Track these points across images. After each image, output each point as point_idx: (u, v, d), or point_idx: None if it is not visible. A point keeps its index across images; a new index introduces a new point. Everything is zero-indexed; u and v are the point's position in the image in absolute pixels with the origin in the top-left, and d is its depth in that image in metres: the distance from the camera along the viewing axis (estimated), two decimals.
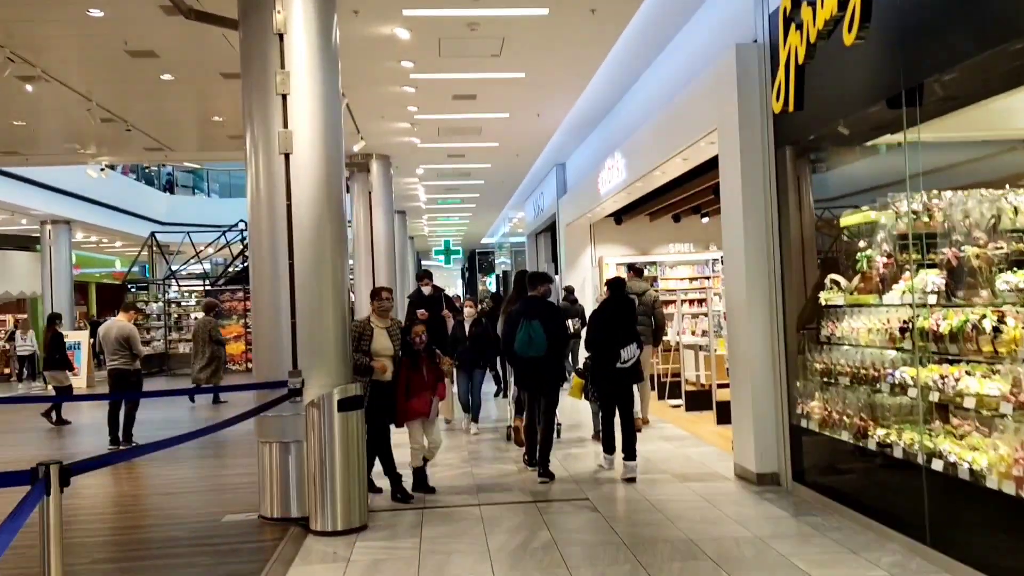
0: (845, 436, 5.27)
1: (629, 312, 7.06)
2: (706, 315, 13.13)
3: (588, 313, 8.88)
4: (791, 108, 5.24)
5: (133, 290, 22.70)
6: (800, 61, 5.07)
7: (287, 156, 5.55)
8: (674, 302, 14.76)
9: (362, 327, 6.19)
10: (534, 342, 6.58)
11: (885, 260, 5.23)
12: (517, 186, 17.53)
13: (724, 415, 9.04)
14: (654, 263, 15.08)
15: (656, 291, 10.17)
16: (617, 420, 7.00)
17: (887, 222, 5.27)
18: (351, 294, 11.11)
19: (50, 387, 12.09)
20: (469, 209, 21.72)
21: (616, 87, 10.74)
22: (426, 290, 9.79)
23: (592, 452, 7.82)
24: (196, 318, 20.95)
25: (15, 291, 20.94)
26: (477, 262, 38.80)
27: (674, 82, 8.73)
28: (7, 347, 20.43)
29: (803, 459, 6.02)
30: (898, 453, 4.76)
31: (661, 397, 11.33)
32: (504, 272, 28.49)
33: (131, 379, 9.39)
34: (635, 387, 7.23)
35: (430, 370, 6.29)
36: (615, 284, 7.25)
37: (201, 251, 22.90)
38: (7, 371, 20.64)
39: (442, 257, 28.62)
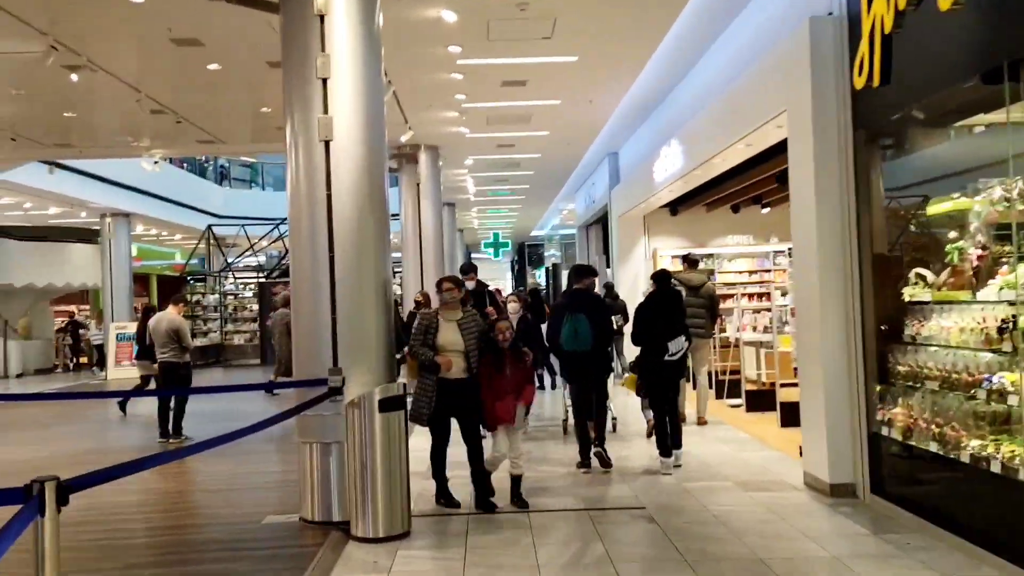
0: (933, 447, 4.76)
1: (676, 305, 6.95)
2: (768, 310, 12.57)
3: (632, 309, 8.71)
4: (876, 82, 4.74)
5: (191, 282, 23.11)
6: (887, 30, 4.57)
7: (327, 143, 5.29)
8: (733, 296, 14.22)
9: (429, 319, 5.71)
10: (579, 336, 6.52)
11: (979, 252, 4.71)
12: (568, 177, 17.11)
13: (789, 417, 8.52)
14: (711, 255, 14.49)
15: (713, 284, 9.81)
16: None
17: (981, 210, 4.75)
18: (398, 288, 10.83)
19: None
20: (519, 201, 21.37)
21: (672, 72, 10.24)
22: (470, 285, 9.06)
23: (646, 452, 7.42)
24: (251, 309, 21.41)
25: (76, 283, 21.41)
26: (527, 255, 38.47)
27: (737, 63, 8.22)
28: (69, 340, 20.99)
29: (882, 470, 5.52)
30: (996, 467, 4.25)
31: (719, 396, 10.83)
32: (554, 265, 28.06)
33: (180, 372, 9.34)
34: (686, 382, 7.24)
35: (515, 371, 5.69)
36: (660, 276, 7.14)
37: (255, 243, 23.14)
38: (83, 360, 21.19)
39: (491, 250, 28.31)
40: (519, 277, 39.49)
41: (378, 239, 5.48)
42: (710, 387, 10.95)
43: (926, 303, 5.11)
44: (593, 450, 6.76)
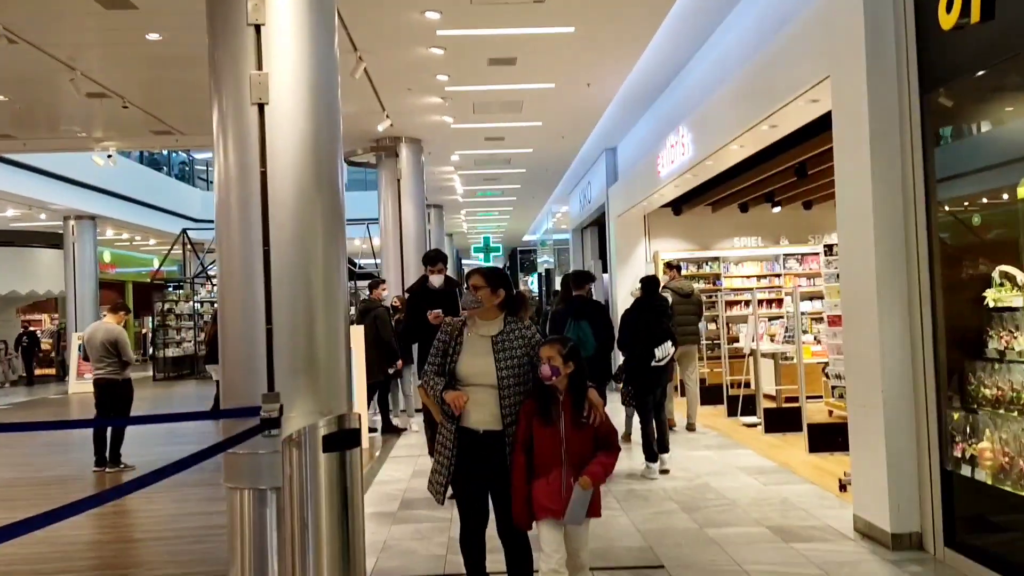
0: None
1: (662, 310, 7.08)
2: (779, 317, 11.49)
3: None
4: (975, 18, 3.65)
5: (170, 288, 21.91)
6: None
7: (261, 107, 4.15)
8: (739, 303, 13.14)
9: (452, 331, 3.74)
10: (583, 343, 6.18)
11: None
12: (562, 175, 16.00)
13: (819, 441, 7.42)
14: (716, 259, 13.42)
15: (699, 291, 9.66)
16: None
17: None
18: (379, 292, 9.70)
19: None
20: (510, 203, 20.26)
21: (682, 49, 9.16)
22: (435, 280, 6.57)
23: (624, 456, 6.33)
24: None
25: (41, 290, 20.17)
26: (519, 261, 37.34)
27: (761, 31, 7.14)
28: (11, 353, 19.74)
29: (960, 517, 4.42)
30: None
31: (732, 414, 9.72)
32: (547, 270, 26.91)
33: (119, 390, 8.17)
34: (674, 389, 7.50)
35: (573, 428, 3.46)
36: (649, 283, 7.24)
37: None
38: (39, 372, 19.98)
39: (481, 255, 27.14)
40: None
41: (328, 229, 4.33)
42: (721, 402, 10.18)
43: (1015, 309, 4.03)
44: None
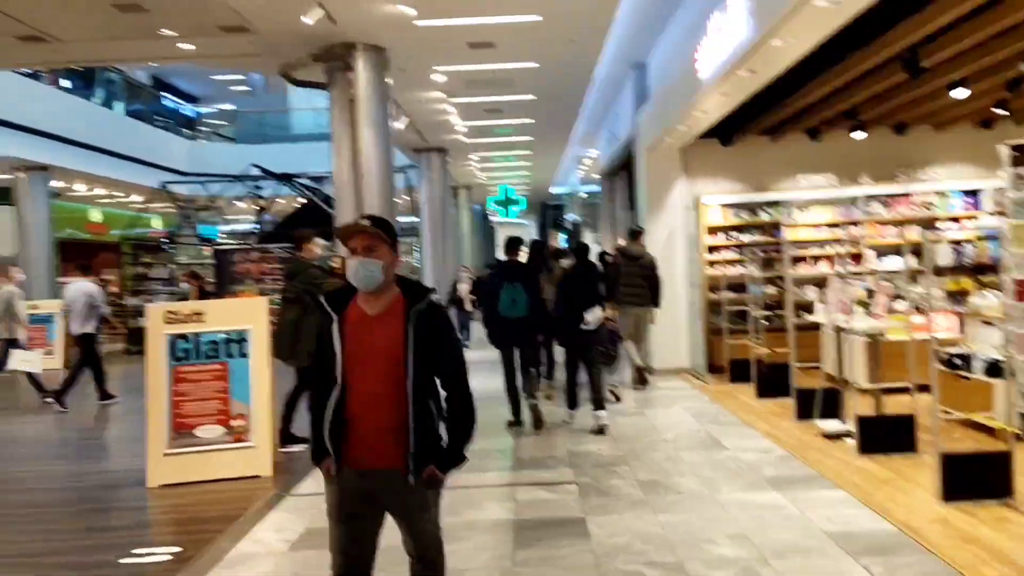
0: None
1: (592, 278, 7.41)
2: (858, 276, 8.42)
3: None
4: None
5: (167, 249, 19.64)
6: None
7: None
8: (805, 260, 10.12)
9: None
10: (517, 303, 6.91)
11: None
12: (581, 100, 12.93)
13: (960, 483, 4.55)
14: (775, 203, 10.35)
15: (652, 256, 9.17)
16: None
17: None
18: (310, 248, 7.02)
19: None
20: (527, 145, 17.23)
21: None
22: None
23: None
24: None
25: None
26: (548, 217, 34.26)
27: None
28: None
29: None
30: None
31: (805, 415, 6.81)
32: (574, 225, 23.79)
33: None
34: (628, 344, 8.87)
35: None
36: (579, 250, 7.63)
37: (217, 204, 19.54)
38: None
39: (501, 208, 24.00)
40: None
41: None
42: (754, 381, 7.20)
43: None
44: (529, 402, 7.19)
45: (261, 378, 6.02)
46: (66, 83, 18.98)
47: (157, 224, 27.89)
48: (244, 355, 6.03)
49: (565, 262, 8.27)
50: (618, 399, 8.18)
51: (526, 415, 7.13)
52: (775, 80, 6.95)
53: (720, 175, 10.46)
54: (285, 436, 6.74)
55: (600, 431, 6.78)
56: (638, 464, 5.84)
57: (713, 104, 7.86)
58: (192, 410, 5.88)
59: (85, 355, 9.07)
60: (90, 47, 8.35)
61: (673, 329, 10.11)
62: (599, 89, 12.63)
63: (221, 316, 6.07)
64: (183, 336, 5.96)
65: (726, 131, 9.77)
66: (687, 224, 10.43)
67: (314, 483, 5.67)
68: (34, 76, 16.44)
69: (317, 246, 7.24)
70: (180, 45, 8.47)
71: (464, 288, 13.51)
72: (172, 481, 5.72)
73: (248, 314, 6.14)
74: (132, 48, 8.54)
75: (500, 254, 9.24)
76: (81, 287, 9.09)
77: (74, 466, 6.89)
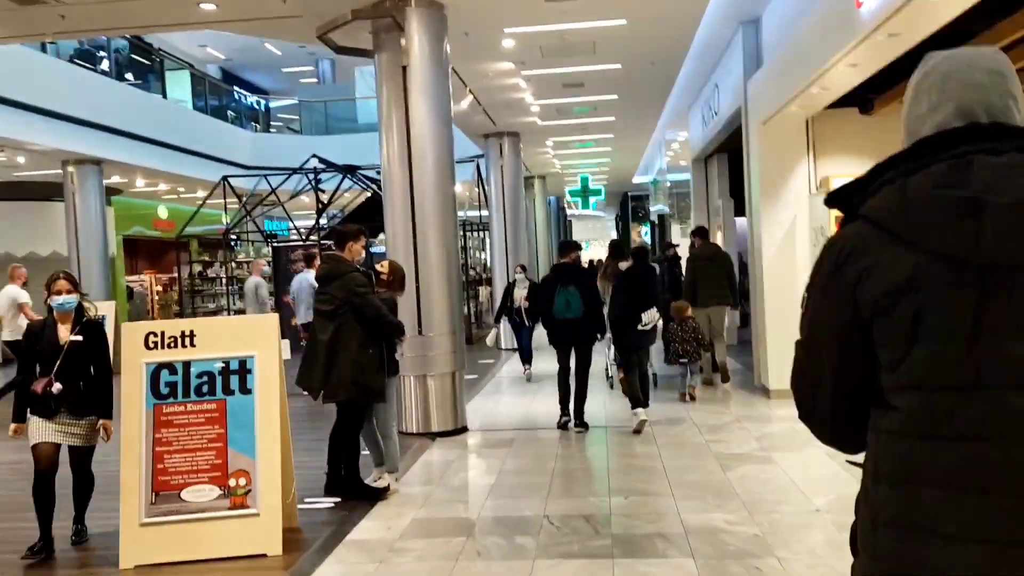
0: None
1: (650, 280, 7.80)
2: None
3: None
4: None
5: (236, 246, 18.87)
6: None
7: None
8: None
9: None
10: (571, 306, 7.07)
11: None
12: (677, 70, 11.02)
13: None
14: None
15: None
16: None
17: None
18: (356, 247, 5.51)
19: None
20: (607, 127, 15.35)
21: None
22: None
23: None
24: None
25: (45, 251, 17.36)
26: (630, 208, 32.18)
27: None
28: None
29: None
30: None
31: None
32: (660, 217, 21.81)
33: None
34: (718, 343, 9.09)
35: None
36: (638, 253, 7.91)
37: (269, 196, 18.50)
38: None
39: (579, 200, 22.17)
40: (624, 235, 33.32)
41: None
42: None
43: None
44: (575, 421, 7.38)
45: (270, 422, 4.51)
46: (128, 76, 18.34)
47: (224, 220, 27.35)
48: (248, 391, 4.53)
49: (623, 264, 8.32)
50: (693, 399, 8.43)
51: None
52: (941, 29, 5.02)
53: (856, 151, 8.43)
54: (333, 484, 5.37)
55: (638, 431, 7.04)
56: (788, 555, 4.08)
57: (869, 53, 5.93)
58: (178, 465, 4.43)
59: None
60: (96, 11, 7.08)
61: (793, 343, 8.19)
62: (698, 56, 10.72)
63: (218, 338, 4.60)
64: (169, 365, 4.52)
65: (868, 94, 7.78)
66: (812, 212, 8.49)
67: (338, 564, 4.14)
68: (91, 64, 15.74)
69: (362, 245, 5.73)
70: (201, 6, 7.11)
71: (520, 294, 10.48)
72: (151, 561, 4.30)
73: (253, 335, 4.64)
74: (145, 12, 7.23)
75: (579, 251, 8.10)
76: (307, 277, 9.70)
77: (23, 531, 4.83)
